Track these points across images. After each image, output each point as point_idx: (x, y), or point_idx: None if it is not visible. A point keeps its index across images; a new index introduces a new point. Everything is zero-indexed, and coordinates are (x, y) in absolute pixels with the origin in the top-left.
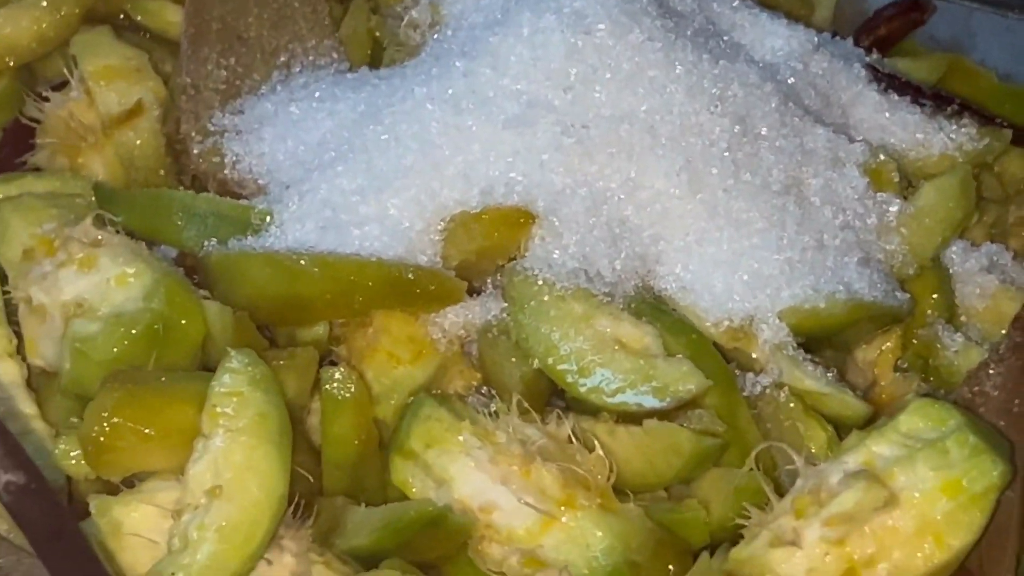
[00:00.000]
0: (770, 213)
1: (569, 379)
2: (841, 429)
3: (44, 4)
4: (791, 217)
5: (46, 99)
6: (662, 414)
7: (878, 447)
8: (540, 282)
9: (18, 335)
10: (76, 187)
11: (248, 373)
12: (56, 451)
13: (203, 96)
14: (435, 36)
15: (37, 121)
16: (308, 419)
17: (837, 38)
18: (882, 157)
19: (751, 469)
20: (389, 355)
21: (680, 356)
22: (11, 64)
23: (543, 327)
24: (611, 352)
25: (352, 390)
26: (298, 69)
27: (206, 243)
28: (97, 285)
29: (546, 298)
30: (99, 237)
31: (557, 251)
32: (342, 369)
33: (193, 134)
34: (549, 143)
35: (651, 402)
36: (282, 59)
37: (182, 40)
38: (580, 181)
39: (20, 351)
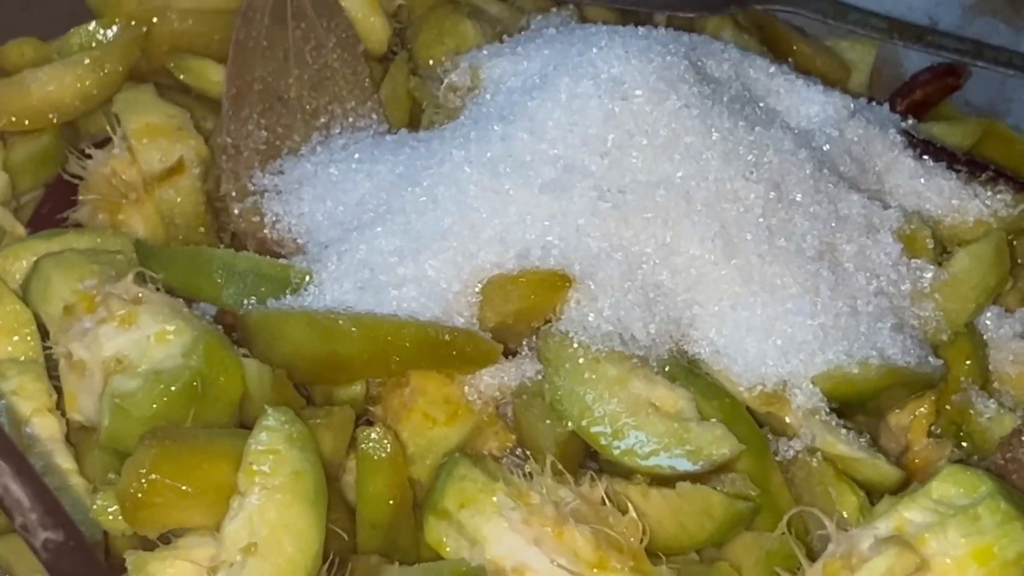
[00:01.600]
0: (804, 279)
1: (603, 441)
2: (873, 494)
3: (87, 62)
4: (825, 283)
5: (88, 156)
6: (695, 477)
7: (910, 513)
8: (575, 344)
9: (57, 390)
10: (117, 244)
11: (285, 431)
12: (94, 507)
13: (243, 156)
14: (474, 99)
15: (79, 178)
16: (343, 477)
17: (873, 103)
18: (917, 223)
19: (783, 533)
20: (424, 415)
21: (714, 420)
22: (54, 121)
23: (577, 389)
24: (645, 415)
25: (388, 450)
26: (337, 130)
27: (246, 301)
28: (137, 342)
29: (581, 360)
30: (139, 294)
31: (592, 314)
32: (378, 429)
33: (233, 193)
34: (585, 207)
35: (685, 465)
36: (322, 120)
37: (223, 100)
38: (616, 245)
39: (59, 406)
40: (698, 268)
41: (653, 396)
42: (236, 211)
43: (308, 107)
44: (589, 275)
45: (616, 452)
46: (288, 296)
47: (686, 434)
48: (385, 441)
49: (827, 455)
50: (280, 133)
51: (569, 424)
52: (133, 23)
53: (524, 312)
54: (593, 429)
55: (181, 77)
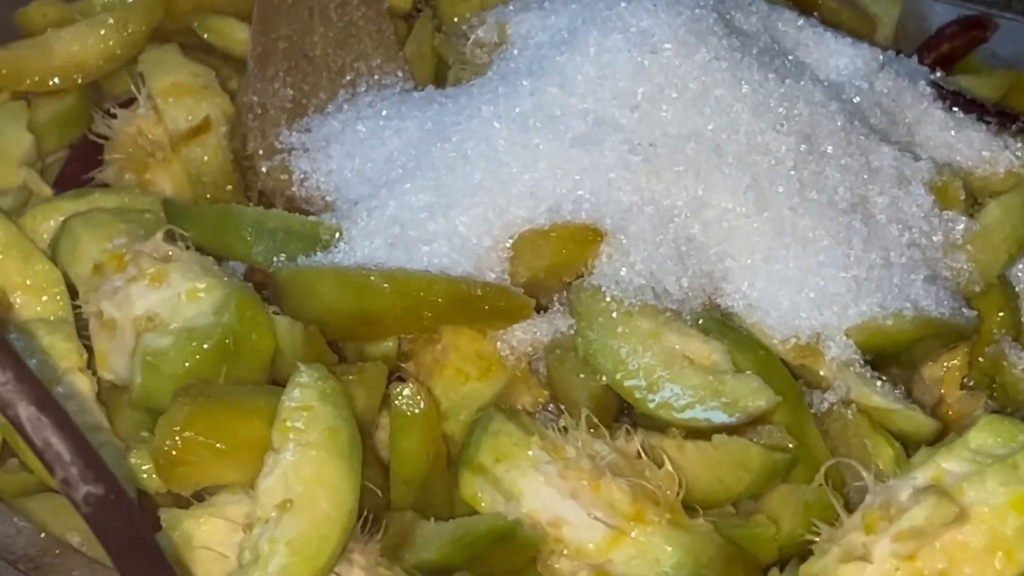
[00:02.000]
0: (836, 231)
1: (638, 395)
2: (908, 446)
3: (111, 22)
4: (857, 235)
5: (114, 116)
6: (731, 430)
7: (947, 463)
8: (608, 299)
9: (87, 349)
10: (145, 203)
11: (318, 388)
12: (128, 465)
13: (270, 114)
14: (501, 55)
15: (105, 138)
16: (376, 434)
17: (901, 56)
18: (948, 175)
19: (820, 485)
20: (457, 371)
21: (749, 372)
22: (79, 81)
23: (611, 343)
24: (680, 368)
25: (421, 406)
26: (364, 88)
27: (275, 259)
28: (168, 300)
29: (614, 315)
30: (169, 252)
31: (624, 268)
32: (411, 385)
33: (260, 152)
34: (616, 161)
35: (720, 418)
36: (348, 77)
37: (249, 59)
38: (647, 199)
39: (90, 365)
40: (730, 221)
41: (687, 349)
42: (264, 169)
43: (334, 65)
44: (620, 229)
45: (651, 405)
46: (318, 253)
47: (721, 386)
48: (418, 397)
49: (862, 407)
50: (306, 91)
51: (603, 378)
52: None
53: (556, 267)
54: (627, 383)
55: (205, 36)
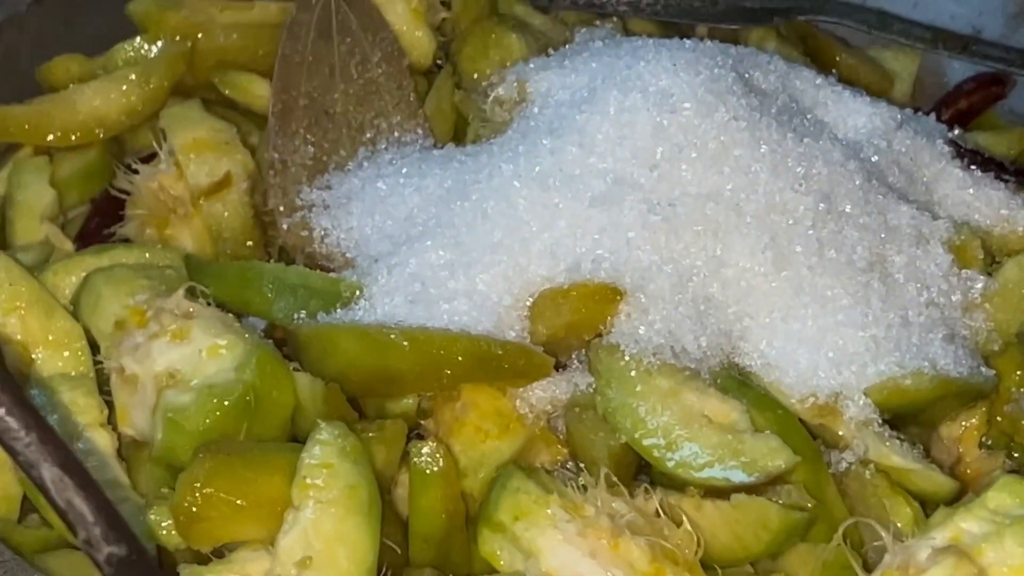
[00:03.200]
0: (855, 290)
1: (656, 453)
2: (927, 505)
3: (133, 77)
4: (875, 294)
5: (135, 171)
6: (749, 489)
7: (966, 523)
8: (627, 357)
9: (108, 405)
10: (167, 258)
11: (338, 445)
12: (147, 521)
13: (291, 171)
14: (521, 113)
15: (127, 193)
16: (396, 491)
17: (919, 114)
18: (966, 234)
19: (839, 544)
20: (477, 429)
21: (768, 432)
22: (101, 136)
23: (630, 401)
24: (698, 427)
25: (440, 464)
26: (384, 145)
27: (296, 315)
28: (189, 356)
29: (633, 373)
30: (191, 309)
31: (643, 327)
32: (431, 443)
33: (281, 208)
34: (635, 221)
35: (740, 477)
36: (368, 135)
37: (269, 116)
38: (666, 258)
39: (110, 421)
40: (748, 280)
41: (706, 408)
42: (284, 226)
43: (354, 122)
44: (640, 288)
45: (670, 464)
46: (338, 310)
47: (740, 446)
48: (437, 455)
49: (880, 466)
50: (327, 148)
51: (622, 437)
52: (178, 38)
53: (575, 325)
54: (646, 441)
55: (227, 92)
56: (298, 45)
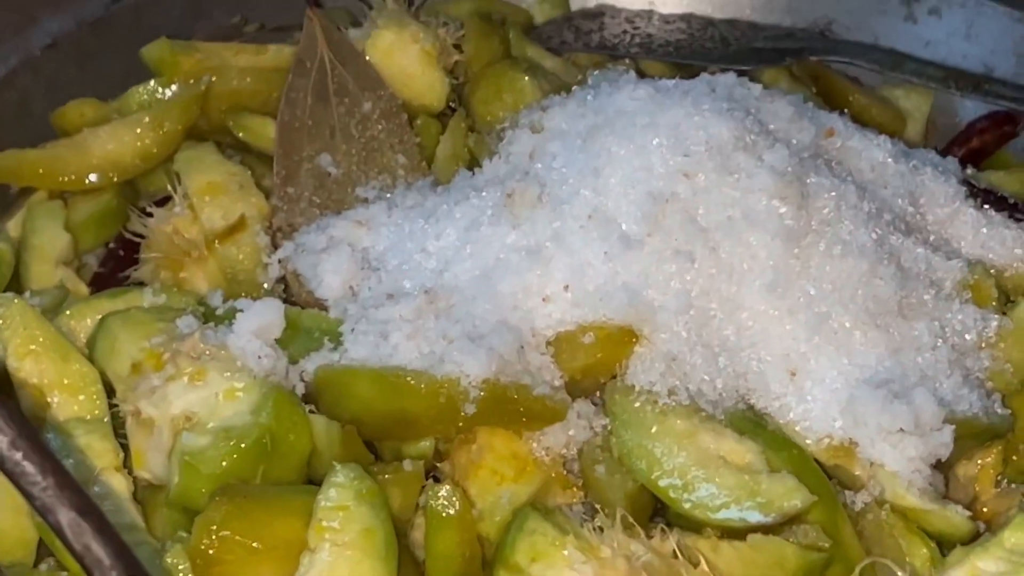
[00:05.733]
0: (869, 332)
1: (672, 494)
2: (943, 545)
3: (147, 120)
4: (890, 335)
5: (149, 214)
6: (766, 529)
7: (983, 562)
8: (642, 399)
9: (124, 448)
10: (182, 302)
11: (354, 487)
12: (165, 564)
13: (298, 232)
14: (535, 157)
15: (141, 236)
16: (412, 534)
17: (932, 153)
18: (980, 273)
19: None
20: (493, 472)
21: (784, 472)
22: (115, 180)
23: (646, 443)
24: (715, 468)
25: (457, 507)
26: (388, 195)
27: (305, 358)
28: (206, 399)
29: (648, 414)
30: (207, 351)
31: (658, 369)
32: (447, 487)
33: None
34: (651, 263)
35: (756, 517)
36: (372, 189)
37: (274, 182)
38: (681, 301)
39: (126, 464)
40: (762, 323)
41: (722, 449)
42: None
43: (359, 180)
44: (655, 330)
45: (687, 506)
46: (349, 351)
47: (757, 486)
48: (454, 498)
49: (896, 507)
50: (332, 208)
51: (638, 478)
52: (192, 81)
53: (591, 368)
54: (662, 482)
55: (240, 135)
56: (296, 110)
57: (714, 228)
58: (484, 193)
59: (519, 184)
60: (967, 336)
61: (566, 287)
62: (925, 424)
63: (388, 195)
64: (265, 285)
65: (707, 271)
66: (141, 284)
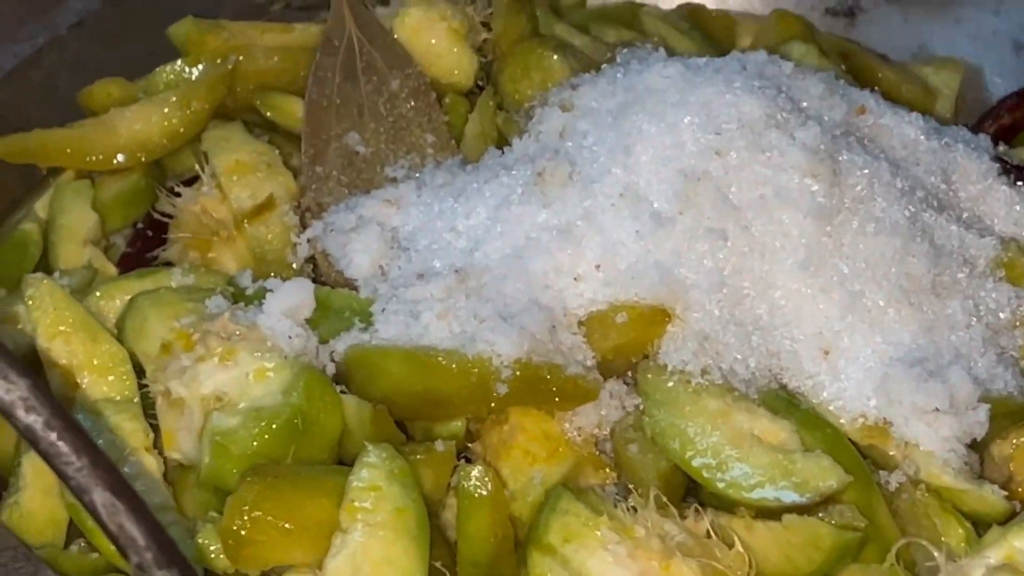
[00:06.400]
0: (903, 310)
1: (706, 474)
2: (979, 525)
3: (174, 100)
4: (924, 313)
5: (178, 194)
6: (801, 509)
7: (1020, 542)
8: (675, 378)
9: (153, 428)
10: (212, 281)
11: (386, 468)
12: (197, 544)
13: (325, 215)
14: (566, 134)
15: (169, 216)
16: (443, 514)
17: (964, 130)
18: (1014, 251)
19: (892, 565)
20: (525, 452)
21: (819, 451)
22: (143, 160)
23: (679, 423)
24: (748, 447)
25: (489, 488)
26: (417, 174)
27: (335, 338)
28: (236, 379)
29: (681, 394)
30: (237, 331)
31: (691, 348)
32: (479, 467)
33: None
34: (683, 242)
35: (791, 497)
36: (403, 172)
37: (303, 162)
38: (714, 279)
39: (156, 444)
40: (795, 302)
41: (756, 428)
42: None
43: (388, 159)
44: (688, 309)
45: (720, 485)
46: (379, 330)
47: (792, 466)
48: (486, 479)
49: (931, 487)
50: (360, 187)
51: (671, 458)
52: (219, 61)
53: (624, 347)
54: (696, 462)
55: (268, 114)
56: (324, 89)
57: (746, 206)
58: (514, 172)
59: (549, 163)
60: (1001, 315)
61: (597, 266)
62: (960, 403)
63: (417, 174)
64: (294, 265)
65: (739, 249)
66: (169, 264)
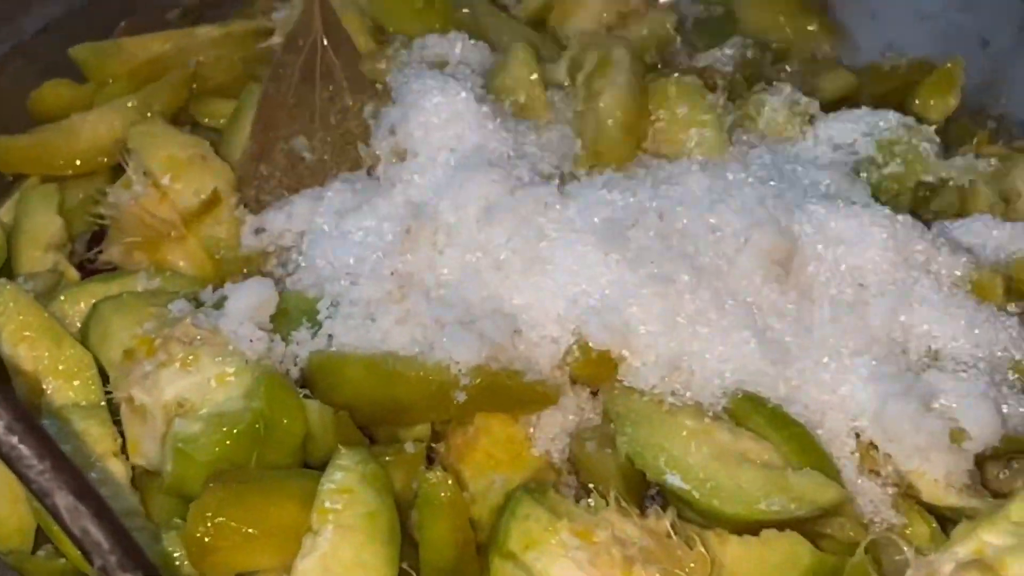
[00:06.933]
0: (868, 344)
1: (696, 494)
2: (946, 522)
3: (134, 104)
4: (891, 339)
5: (105, 194)
6: (798, 524)
7: (989, 536)
8: (645, 399)
9: (121, 434)
10: (175, 285)
11: (359, 471)
12: (162, 550)
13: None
14: None
15: (103, 218)
16: (413, 515)
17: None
18: (986, 272)
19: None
20: (487, 455)
21: (808, 469)
22: (105, 163)
23: (658, 441)
24: (737, 465)
25: (448, 493)
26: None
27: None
28: (198, 384)
29: (655, 413)
30: (198, 336)
31: (658, 374)
32: (437, 472)
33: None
34: (624, 274)
35: (789, 511)
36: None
37: (245, 156)
38: (655, 312)
39: (124, 450)
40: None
41: (740, 447)
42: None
43: (329, 171)
44: (636, 349)
45: (714, 503)
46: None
47: (785, 482)
48: (444, 485)
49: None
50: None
51: (651, 476)
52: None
53: (583, 377)
54: (682, 480)
55: (205, 121)
56: (282, 86)
57: (687, 244)
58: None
59: None
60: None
61: (553, 300)
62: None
63: (358, 184)
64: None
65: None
66: (113, 268)
